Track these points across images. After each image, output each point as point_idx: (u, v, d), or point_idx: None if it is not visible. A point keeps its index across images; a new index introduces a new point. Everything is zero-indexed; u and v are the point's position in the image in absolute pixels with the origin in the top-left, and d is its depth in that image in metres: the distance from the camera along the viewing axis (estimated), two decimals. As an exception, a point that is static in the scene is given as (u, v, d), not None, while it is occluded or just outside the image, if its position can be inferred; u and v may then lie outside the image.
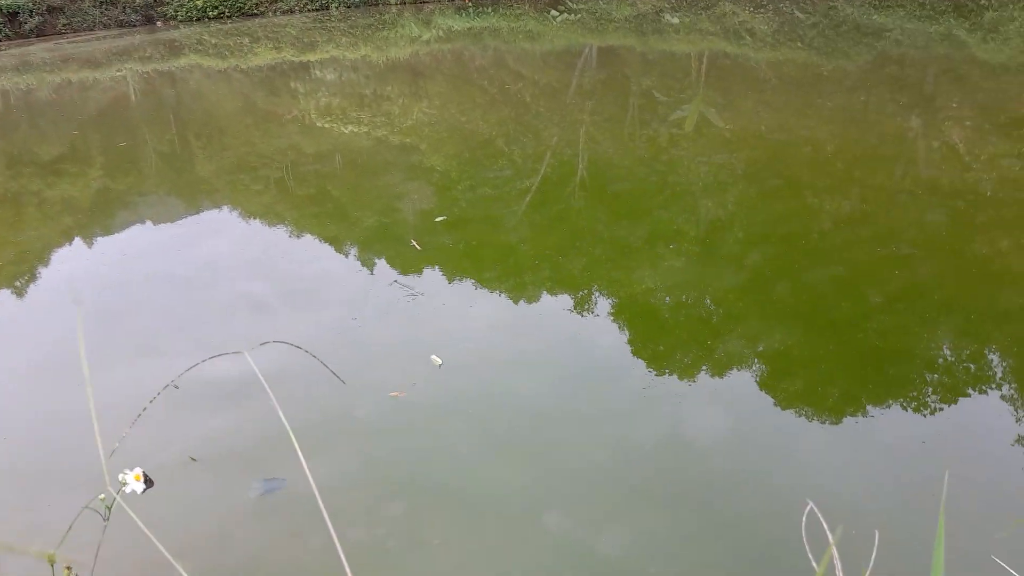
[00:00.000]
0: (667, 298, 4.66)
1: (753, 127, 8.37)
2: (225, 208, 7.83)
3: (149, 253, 6.52)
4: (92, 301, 5.42)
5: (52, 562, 0.99)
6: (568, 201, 6.56)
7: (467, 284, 5.04)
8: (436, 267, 5.34)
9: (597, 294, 4.78)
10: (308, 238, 6.43)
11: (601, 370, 3.90)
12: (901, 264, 4.76)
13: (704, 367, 3.85)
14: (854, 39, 13.62)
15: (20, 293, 5.89)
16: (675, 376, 3.78)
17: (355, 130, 10.07)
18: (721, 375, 3.77)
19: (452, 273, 5.23)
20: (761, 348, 3.97)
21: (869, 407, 3.39)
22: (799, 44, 13.59)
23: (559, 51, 15.89)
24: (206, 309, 5.04)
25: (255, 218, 7.25)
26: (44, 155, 10.53)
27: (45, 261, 6.53)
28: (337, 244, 6.12)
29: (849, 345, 3.89)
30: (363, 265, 5.63)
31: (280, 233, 6.68)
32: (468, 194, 7.04)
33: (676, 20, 17.62)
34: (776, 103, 9.64)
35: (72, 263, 6.47)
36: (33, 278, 6.19)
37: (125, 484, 1.00)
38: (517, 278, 5.13)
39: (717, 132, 8.26)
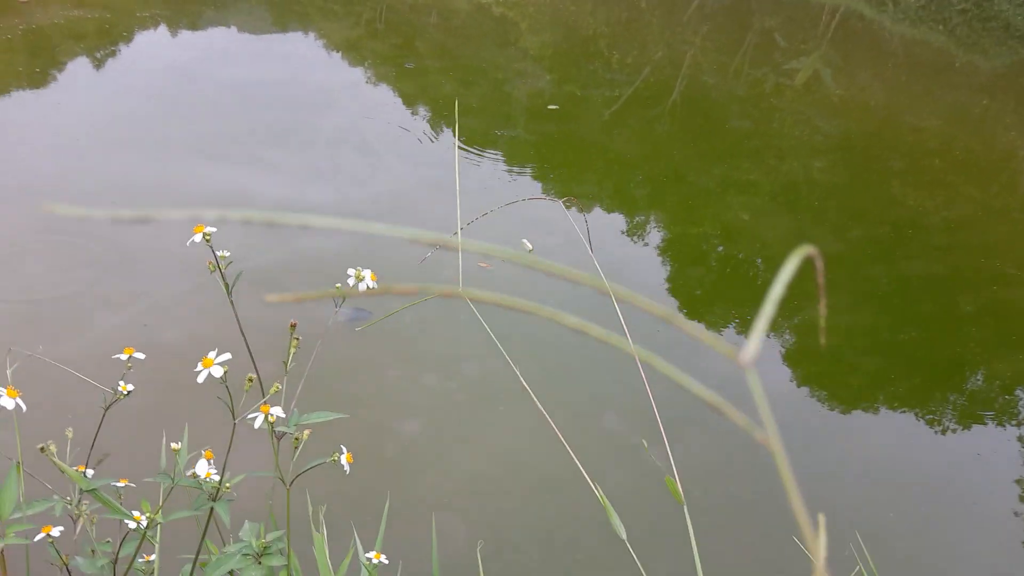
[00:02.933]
0: (721, 247, 4.51)
1: (863, 99, 7.89)
2: (311, 34, 7.67)
3: (232, 59, 6.45)
4: (175, 93, 5.39)
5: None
6: (653, 123, 6.30)
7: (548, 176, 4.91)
8: (514, 152, 5.21)
9: (654, 223, 4.64)
10: (388, 88, 6.28)
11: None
12: (994, 280, 4.53)
13: (734, 326, 3.75)
14: (999, 38, 12.62)
15: (100, 65, 5.88)
16: (702, 326, 3.69)
17: (460, -10, 9.70)
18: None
19: (528, 161, 5.09)
20: (800, 321, 3.84)
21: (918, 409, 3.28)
22: (940, 27, 12.64)
23: (689, -35, 14.98)
24: (303, 130, 4.96)
25: (338, 52, 7.10)
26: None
27: (129, 41, 6.49)
28: (412, 102, 5.98)
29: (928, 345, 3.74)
30: (435, 129, 5.50)
31: (360, 75, 6.55)
32: (552, 87, 6.80)
33: (820, -34, 16.41)
34: (894, 81, 9.05)
35: (158, 51, 6.42)
36: (114, 54, 6.16)
37: (362, 278, 1.11)
38: (584, 184, 4.99)
39: (825, 94, 7.81)
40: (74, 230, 3.27)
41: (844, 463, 2.95)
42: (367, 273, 1.15)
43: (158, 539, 1.14)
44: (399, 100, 5.96)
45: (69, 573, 1.27)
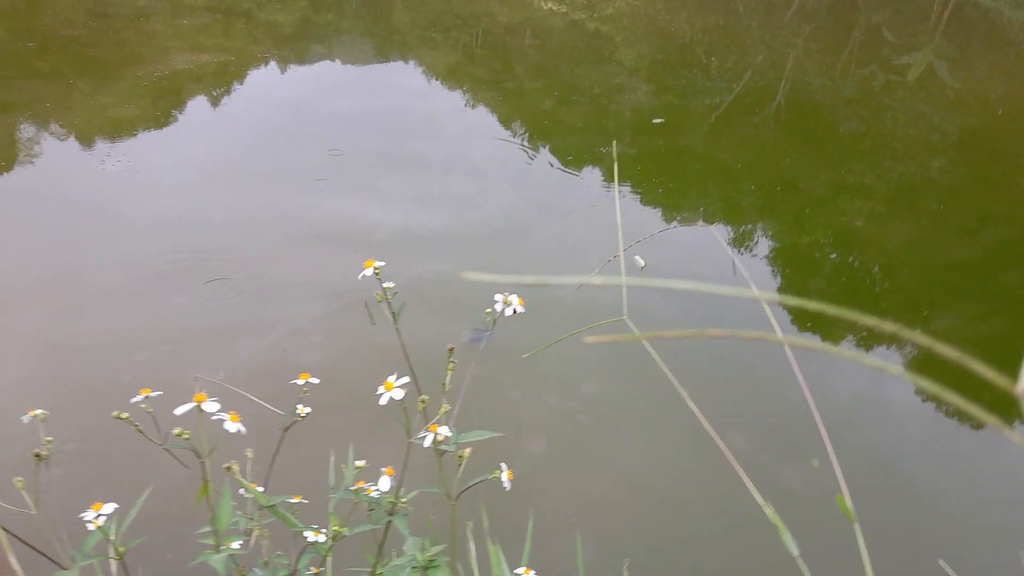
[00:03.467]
0: (834, 255, 4.38)
1: (982, 92, 7.49)
2: (412, 62, 7.93)
3: (340, 91, 6.74)
4: (291, 127, 5.70)
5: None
6: (756, 129, 6.18)
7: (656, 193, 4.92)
8: (621, 168, 5.23)
9: (761, 232, 4.55)
10: (491, 112, 6.42)
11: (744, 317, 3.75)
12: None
13: (853, 338, 3.63)
14: None
15: (216, 101, 6.28)
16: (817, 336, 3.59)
17: (554, 8, 9.81)
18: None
19: (637, 179, 5.10)
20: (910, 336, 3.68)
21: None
22: (1064, 9, 11.83)
23: (785, -35, 14.62)
24: (413, 157, 5.15)
25: (439, 79, 7.31)
26: (259, -25, 10.93)
27: (248, 80, 6.89)
28: (515, 123, 6.09)
29: None
30: (537, 150, 5.58)
31: (463, 100, 6.72)
32: (651, 98, 6.77)
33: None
34: (1016, 71, 8.54)
35: (273, 88, 6.80)
36: (228, 91, 6.56)
37: (510, 303, 1.16)
38: (690, 196, 4.96)
39: (940, 89, 7.45)
40: (212, 264, 3.51)
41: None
42: (514, 298, 1.20)
43: (330, 553, 1.23)
44: (503, 123, 6.08)
45: (247, 583, 1.37)
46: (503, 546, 1.82)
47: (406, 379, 0.99)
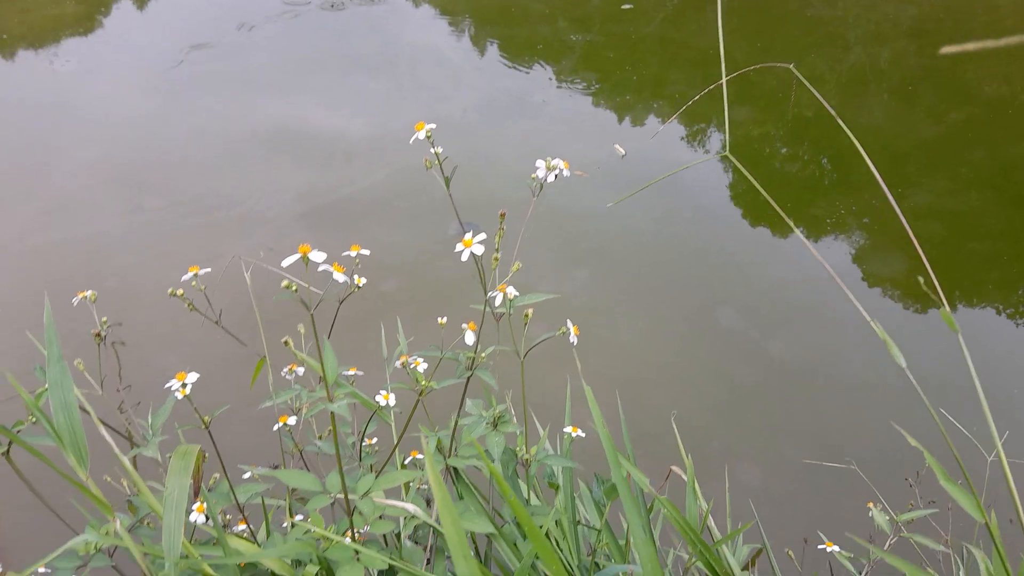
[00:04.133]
0: (784, 149, 4.47)
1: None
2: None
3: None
4: (241, 36, 5.40)
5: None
6: (703, 26, 6.15)
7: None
8: (587, 62, 5.15)
9: (714, 128, 4.61)
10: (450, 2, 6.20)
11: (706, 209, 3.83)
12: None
13: (804, 230, 3.75)
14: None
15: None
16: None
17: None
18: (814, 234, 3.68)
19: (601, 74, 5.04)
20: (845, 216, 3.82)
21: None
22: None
23: None
24: (381, 55, 4.95)
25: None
26: None
27: None
28: (457, 18, 5.90)
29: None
30: (503, 39, 5.45)
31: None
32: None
33: None
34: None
35: None
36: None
37: (554, 168, 1.15)
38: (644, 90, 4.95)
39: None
40: (185, 165, 3.38)
41: None
42: (558, 162, 1.18)
43: (392, 419, 1.26)
44: (463, 13, 5.89)
45: (303, 457, 1.40)
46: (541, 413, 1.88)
47: (483, 235, 1.00)
